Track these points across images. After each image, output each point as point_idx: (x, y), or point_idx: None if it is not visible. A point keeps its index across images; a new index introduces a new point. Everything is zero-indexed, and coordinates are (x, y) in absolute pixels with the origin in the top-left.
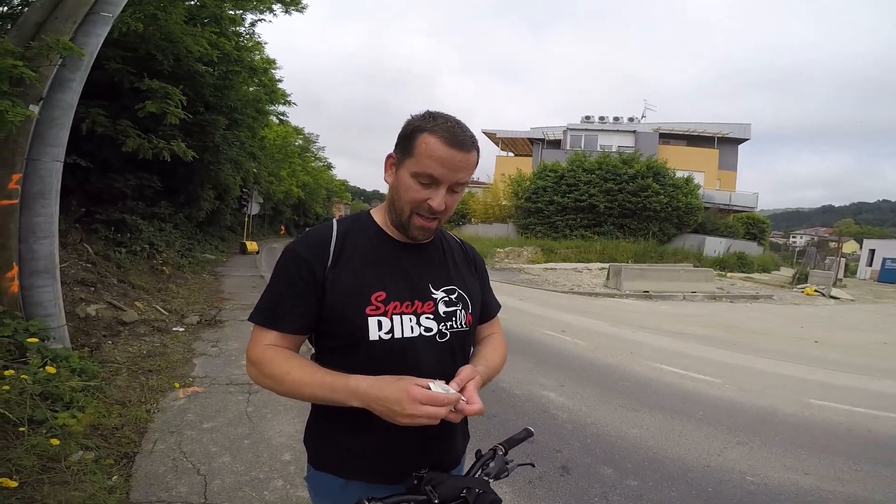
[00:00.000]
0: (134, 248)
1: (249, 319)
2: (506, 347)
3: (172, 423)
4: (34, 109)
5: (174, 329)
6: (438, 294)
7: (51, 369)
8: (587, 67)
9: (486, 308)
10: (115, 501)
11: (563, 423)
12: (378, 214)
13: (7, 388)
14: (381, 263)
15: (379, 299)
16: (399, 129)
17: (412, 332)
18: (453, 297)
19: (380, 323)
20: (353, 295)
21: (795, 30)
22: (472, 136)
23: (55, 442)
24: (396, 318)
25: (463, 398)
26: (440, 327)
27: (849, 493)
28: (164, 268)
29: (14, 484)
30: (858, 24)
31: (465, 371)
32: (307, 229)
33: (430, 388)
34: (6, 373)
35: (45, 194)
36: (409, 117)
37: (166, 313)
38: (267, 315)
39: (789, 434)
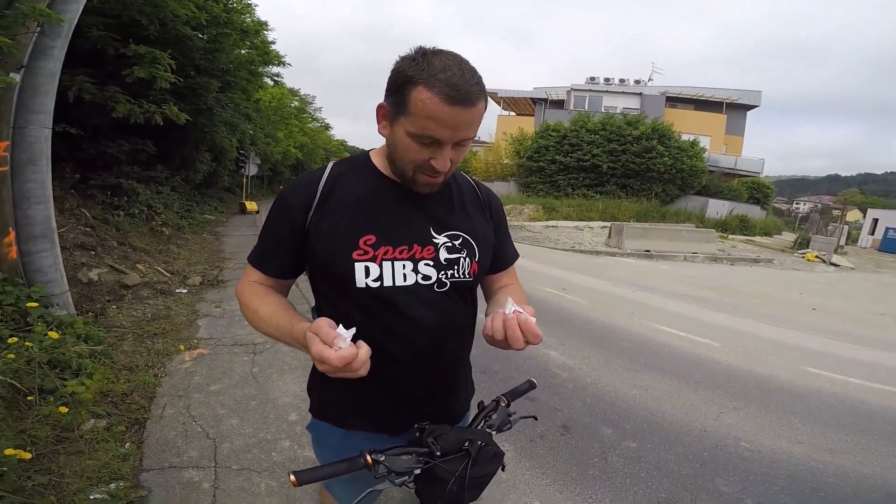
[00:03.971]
0: (132, 211)
1: (247, 259)
2: (524, 298)
3: (180, 387)
4: (15, 77)
5: (177, 291)
6: (440, 239)
7: (53, 335)
8: (595, 29)
9: (500, 256)
10: (128, 469)
11: (563, 381)
12: (378, 158)
13: (12, 356)
14: (375, 206)
15: (368, 243)
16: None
17: (405, 279)
18: (457, 242)
19: (367, 269)
20: (339, 239)
21: (812, 2)
22: (478, 83)
23: (64, 410)
24: (387, 265)
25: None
26: (440, 275)
27: (838, 463)
28: (164, 229)
29: (29, 456)
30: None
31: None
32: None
33: (338, 335)
34: (10, 340)
35: (36, 161)
36: (398, 60)
37: (168, 275)
38: (257, 256)
39: (784, 402)
